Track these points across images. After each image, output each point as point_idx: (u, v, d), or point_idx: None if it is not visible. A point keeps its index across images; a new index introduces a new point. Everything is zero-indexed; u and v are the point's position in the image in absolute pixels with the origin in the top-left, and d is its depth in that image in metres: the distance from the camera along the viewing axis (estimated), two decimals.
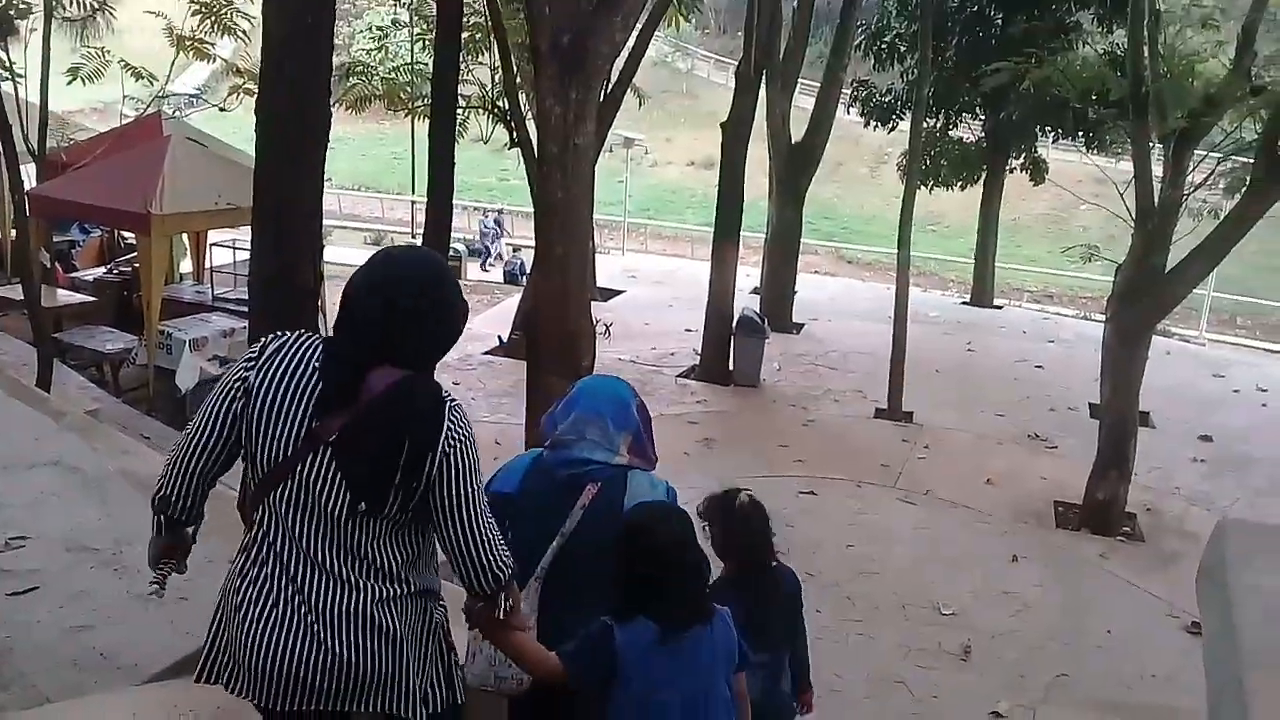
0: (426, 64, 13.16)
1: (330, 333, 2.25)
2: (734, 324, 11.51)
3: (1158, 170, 7.82)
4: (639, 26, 7.36)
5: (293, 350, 2.15)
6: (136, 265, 11.22)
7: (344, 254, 15.57)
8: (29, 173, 10.53)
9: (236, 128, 12.42)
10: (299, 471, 2.10)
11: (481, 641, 2.52)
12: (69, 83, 12.28)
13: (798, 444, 9.33)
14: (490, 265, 21.84)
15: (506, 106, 10.32)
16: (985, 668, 5.64)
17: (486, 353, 12.24)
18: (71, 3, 12.40)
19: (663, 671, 2.32)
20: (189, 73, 25.66)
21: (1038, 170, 17.25)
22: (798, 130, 14.19)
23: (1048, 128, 16.08)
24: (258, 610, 2.14)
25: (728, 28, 39.28)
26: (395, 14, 19.47)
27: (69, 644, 3.45)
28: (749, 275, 15.35)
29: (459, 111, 8.14)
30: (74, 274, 12.70)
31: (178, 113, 15.13)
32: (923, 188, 15.01)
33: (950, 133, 17.09)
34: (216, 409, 2.15)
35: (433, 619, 2.30)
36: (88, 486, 4.67)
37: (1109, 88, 8.41)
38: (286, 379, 2.11)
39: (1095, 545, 7.56)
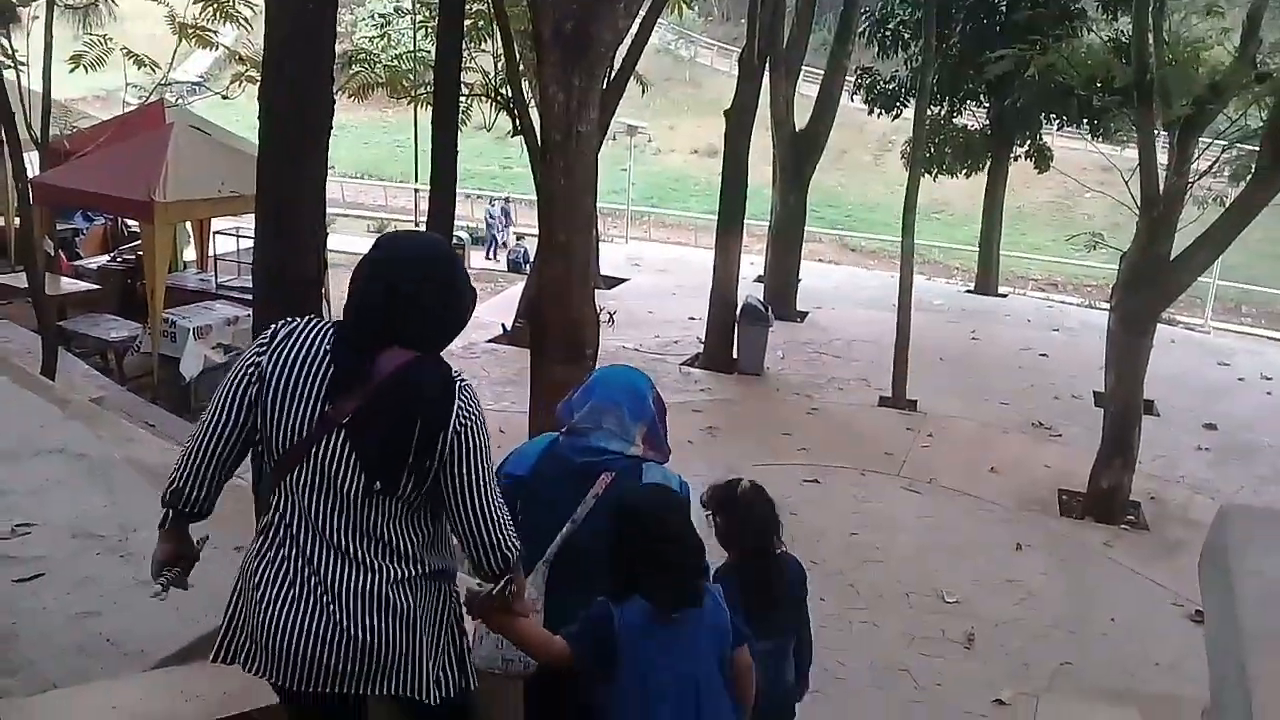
0: (429, 51, 13.12)
1: (328, 320, 2.26)
2: (738, 312, 11.50)
3: (1162, 158, 7.79)
4: (642, 13, 7.31)
5: (304, 335, 2.17)
6: (140, 253, 11.23)
7: (347, 242, 15.54)
8: (32, 160, 10.52)
9: (239, 115, 12.39)
10: (314, 454, 2.12)
11: None
12: (71, 70, 12.24)
13: (801, 432, 9.33)
14: (498, 254, 21.72)
15: (509, 94, 10.28)
16: (989, 656, 5.65)
17: (490, 341, 12.24)
18: None
19: (658, 651, 2.34)
20: (191, 60, 25.65)
21: (1042, 158, 17.19)
22: (801, 118, 14.14)
23: (1052, 115, 15.99)
24: (275, 591, 2.17)
25: (731, 15, 39.11)
26: (398, 1, 19.41)
27: (75, 630, 3.46)
28: (753, 263, 15.32)
29: (462, 99, 8.11)
30: (78, 262, 12.71)
31: (180, 100, 15.08)
32: (927, 175, 14.98)
33: (954, 120, 17.02)
34: (230, 395, 2.16)
35: (447, 601, 2.32)
36: (93, 473, 4.68)
37: (1114, 75, 8.37)
38: (299, 363, 2.14)
39: (1099, 533, 7.56)
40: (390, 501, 2.16)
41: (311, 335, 2.17)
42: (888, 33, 16.10)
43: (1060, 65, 8.82)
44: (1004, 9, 15.34)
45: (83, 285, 11.47)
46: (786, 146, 14.06)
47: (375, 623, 2.16)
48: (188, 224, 12.13)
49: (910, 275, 10.59)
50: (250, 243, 6.30)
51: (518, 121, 9.05)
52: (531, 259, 15.08)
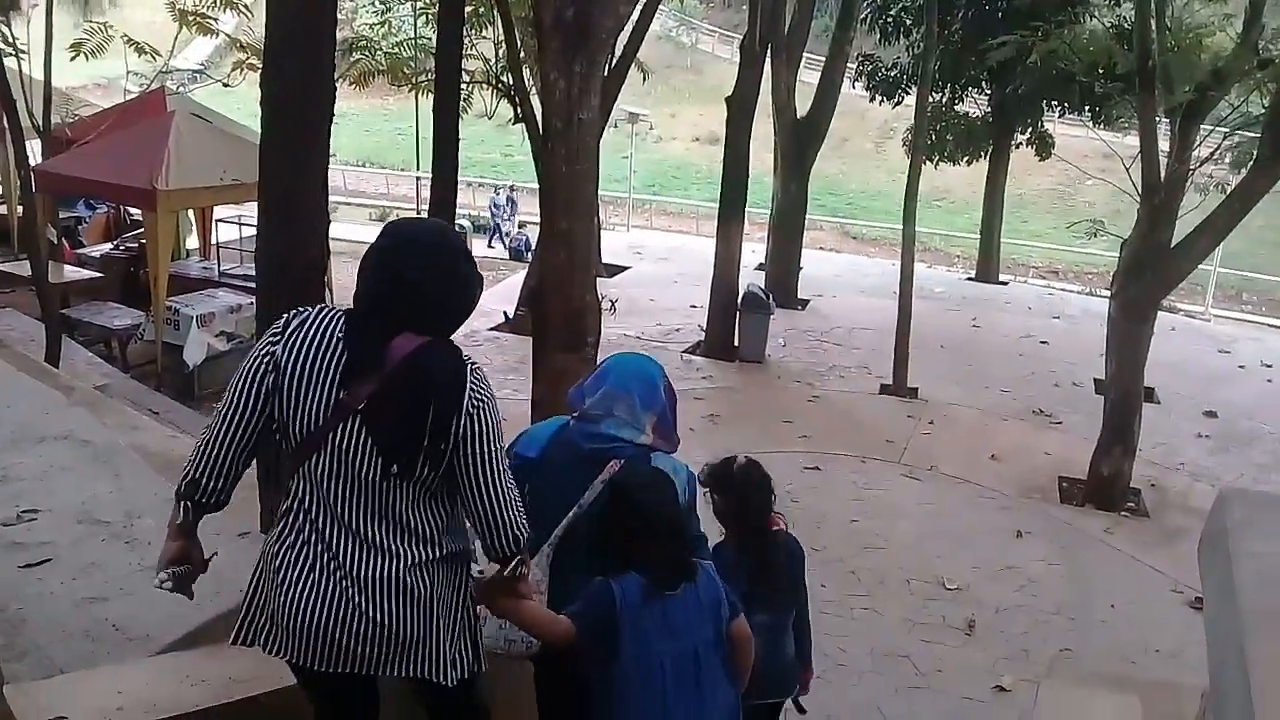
0: (430, 38, 13.08)
1: (338, 307, 2.28)
2: (739, 300, 11.50)
3: (1164, 145, 7.78)
4: (643, 0, 7.30)
5: (316, 323, 2.20)
6: (143, 241, 11.24)
7: (349, 230, 15.53)
8: (34, 149, 10.52)
9: (240, 103, 12.38)
10: (332, 440, 2.16)
11: None
12: (72, 58, 12.22)
13: (802, 420, 9.35)
14: (504, 241, 21.61)
15: (510, 81, 10.25)
16: (989, 642, 5.68)
17: (492, 329, 12.25)
18: None
19: (657, 626, 2.38)
20: (192, 48, 25.58)
21: (1044, 145, 17.13)
22: (803, 105, 14.10)
23: (1054, 102, 15.93)
24: (295, 574, 2.21)
25: (733, 1, 38.94)
26: None
27: (81, 615, 3.49)
28: (754, 251, 15.30)
29: (463, 86, 8.10)
30: (81, 250, 12.73)
31: (181, 88, 15.05)
32: (928, 163, 14.93)
33: (956, 107, 16.93)
34: (247, 385, 2.19)
35: (464, 583, 2.36)
36: (98, 460, 4.70)
37: (1116, 61, 8.35)
38: (313, 352, 2.17)
39: (1099, 520, 7.58)
40: (407, 485, 2.19)
41: (324, 323, 2.20)
42: (889, 19, 16.01)
43: (1062, 51, 8.80)
44: None
45: (86, 273, 11.49)
46: (788, 134, 14.02)
47: (393, 607, 2.20)
48: (190, 212, 12.13)
49: (911, 263, 10.58)
50: (252, 230, 6.31)
51: (519, 109, 9.03)
52: (533, 247, 15.06)
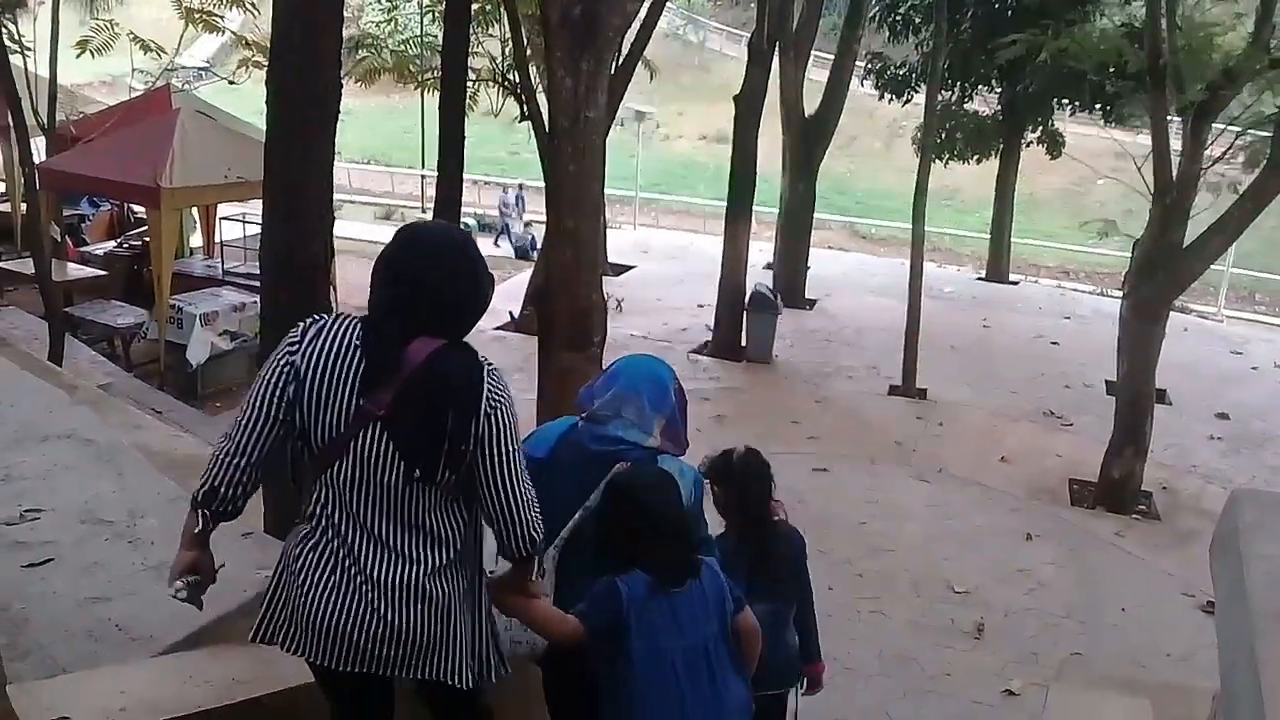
0: (436, 36, 13.05)
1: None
2: (746, 300, 11.46)
3: (1176, 144, 7.73)
4: None
5: (333, 332, 2.22)
6: (146, 239, 11.23)
7: (354, 228, 15.56)
8: (39, 146, 10.52)
9: (245, 101, 12.37)
10: (354, 448, 2.18)
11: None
12: (78, 55, 12.23)
13: (810, 421, 9.31)
14: (510, 240, 21.56)
15: (517, 79, 10.24)
16: (998, 645, 5.63)
17: (498, 328, 12.22)
18: None
19: (662, 623, 2.38)
20: (197, 45, 25.64)
21: (1054, 144, 17.09)
22: (811, 103, 14.07)
23: (1065, 101, 15.88)
24: (316, 577, 2.24)
25: None
26: None
27: (84, 615, 3.46)
28: (761, 250, 15.26)
29: (469, 84, 8.09)
30: (84, 248, 12.73)
31: (187, 85, 15.09)
32: (938, 161, 14.89)
33: (966, 106, 16.91)
34: (267, 395, 2.19)
35: (482, 585, 2.38)
36: (101, 459, 4.67)
37: (1127, 60, 8.30)
38: (332, 359, 2.18)
39: (1110, 523, 7.53)
40: (428, 490, 2.21)
41: (341, 331, 2.22)
42: (898, 17, 15.98)
43: (1073, 50, 8.74)
44: None
45: (89, 271, 11.49)
46: (796, 132, 13.99)
47: (412, 611, 2.22)
48: (194, 210, 12.12)
49: (920, 262, 10.54)
50: (257, 229, 6.28)
51: (525, 107, 9.01)
52: (539, 245, 15.03)
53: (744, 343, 11.47)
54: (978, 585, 6.28)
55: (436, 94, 7.45)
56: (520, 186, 22.12)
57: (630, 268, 16.82)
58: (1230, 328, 16.59)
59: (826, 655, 3.42)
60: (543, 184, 6.57)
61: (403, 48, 15.57)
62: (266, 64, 4.24)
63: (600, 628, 2.37)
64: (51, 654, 3.24)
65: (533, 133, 7.98)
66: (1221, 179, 8.47)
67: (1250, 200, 7.29)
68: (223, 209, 12.26)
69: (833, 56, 14.83)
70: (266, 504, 3.94)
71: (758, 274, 13.17)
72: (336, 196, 4.65)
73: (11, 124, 8.97)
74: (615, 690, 2.40)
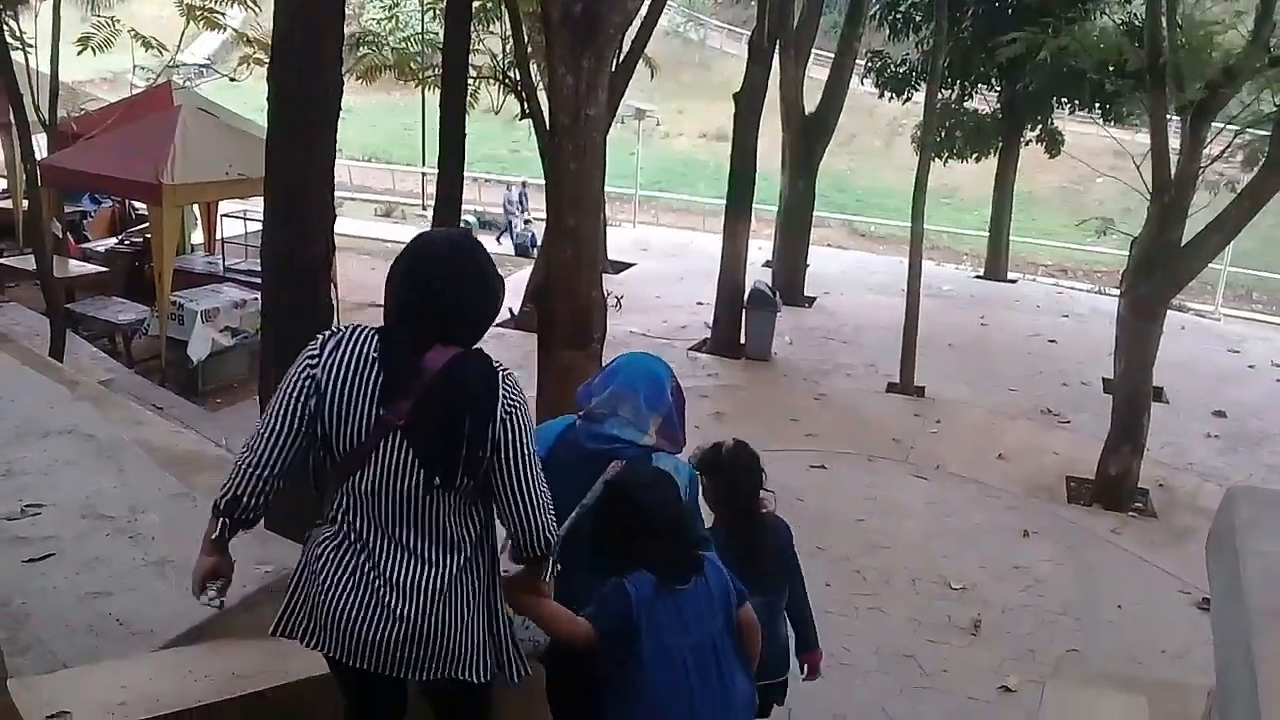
0: (437, 34, 13.05)
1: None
2: (746, 297, 11.47)
3: (1175, 143, 7.73)
4: None
5: (352, 344, 2.25)
6: (148, 236, 11.24)
7: (354, 226, 15.55)
8: (40, 142, 10.53)
9: (246, 98, 12.39)
10: (375, 457, 2.22)
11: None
12: (79, 52, 12.25)
13: (809, 418, 9.32)
14: (512, 238, 21.53)
15: (518, 77, 10.23)
16: (995, 642, 5.65)
17: (497, 325, 12.18)
18: None
19: (669, 621, 2.40)
20: (199, 42, 25.60)
21: (1053, 142, 17.07)
22: (811, 101, 14.06)
23: (1064, 99, 15.85)
24: (337, 576, 2.29)
25: None
26: None
27: (85, 610, 3.47)
28: (761, 248, 15.26)
29: (470, 82, 8.09)
30: (86, 244, 12.74)
31: (188, 83, 15.09)
32: (937, 160, 14.90)
33: (965, 104, 16.89)
34: (290, 408, 2.23)
35: (498, 586, 2.41)
36: (102, 455, 4.69)
37: (1126, 58, 8.29)
38: (351, 373, 2.22)
39: (1107, 521, 7.54)
40: (448, 495, 2.25)
41: (358, 343, 2.26)
42: (899, 15, 15.96)
43: (1072, 48, 8.74)
44: None
45: (91, 268, 11.50)
46: (796, 130, 13.98)
47: (429, 614, 2.26)
48: (195, 207, 12.13)
49: (919, 260, 10.54)
50: (258, 225, 6.30)
51: (526, 104, 9.03)
52: (539, 243, 15.04)
53: (743, 340, 11.47)
54: (975, 582, 6.30)
55: (437, 91, 7.45)
56: (523, 184, 22.13)
57: (630, 265, 16.81)
58: (1227, 326, 16.59)
59: (824, 652, 3.44)
60: (543, 181, 6.58)
61: (404, 45, 15.53)
62: (268, 61, 4.26)
63: (610, 631, 2.39)
64: (52, 649, 3.25)
65: (533, 130, 8.00)
66: (1220, 177, 8.49)
67: (1248, 199, 7.30)
68: (224, 206, 12.27)
69: (833, 54, 14.81)
70: (273, 505, 3.95)
71: (757, 271, 13.17)
72: (337, 194, 4.66)
73: (13, 120, 8.98)
74: (625, 691, 2.41)
